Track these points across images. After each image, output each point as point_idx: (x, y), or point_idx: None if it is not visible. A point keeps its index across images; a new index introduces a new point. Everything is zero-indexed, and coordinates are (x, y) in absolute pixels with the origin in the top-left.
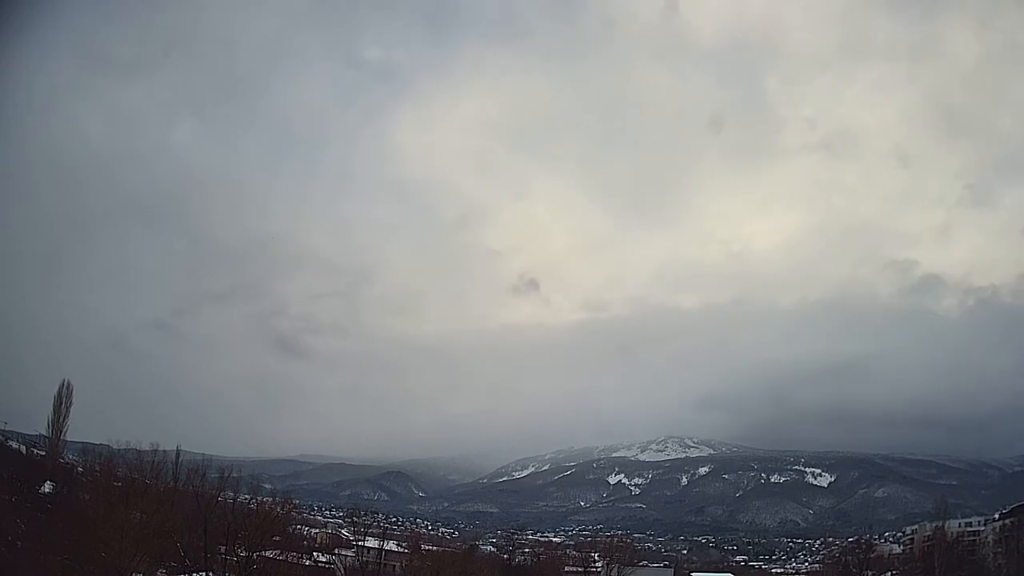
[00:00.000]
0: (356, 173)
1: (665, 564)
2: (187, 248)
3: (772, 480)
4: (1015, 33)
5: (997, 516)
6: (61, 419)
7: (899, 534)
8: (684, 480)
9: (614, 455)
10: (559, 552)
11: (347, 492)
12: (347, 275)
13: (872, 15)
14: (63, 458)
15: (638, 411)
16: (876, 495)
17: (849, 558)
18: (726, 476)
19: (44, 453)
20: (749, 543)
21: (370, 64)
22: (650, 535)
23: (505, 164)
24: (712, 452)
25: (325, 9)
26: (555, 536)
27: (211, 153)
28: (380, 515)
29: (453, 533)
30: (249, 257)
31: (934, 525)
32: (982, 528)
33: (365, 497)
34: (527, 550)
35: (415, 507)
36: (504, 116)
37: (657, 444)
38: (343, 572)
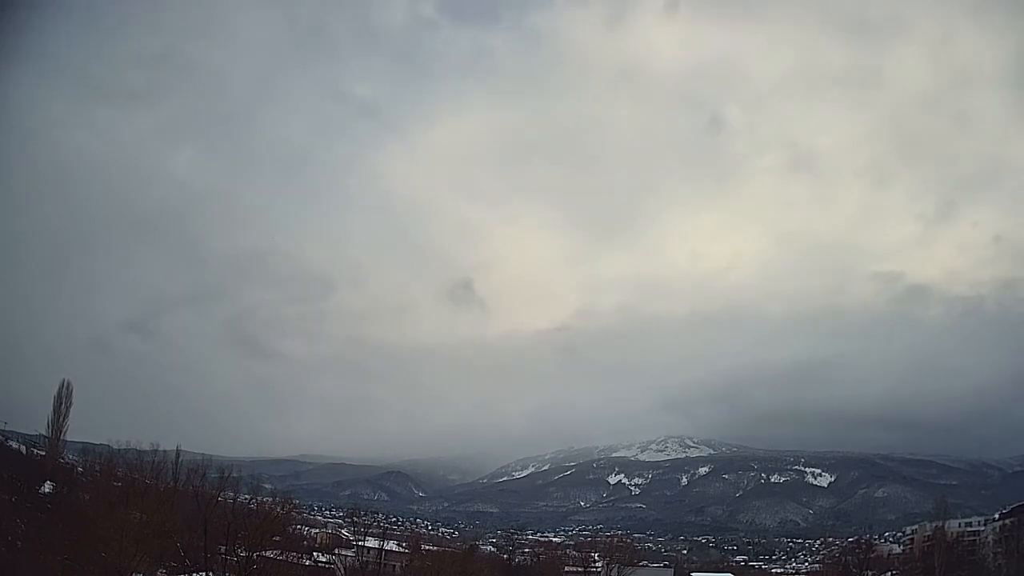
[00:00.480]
0: (349, 195)
1: (665, 564)
2: (185, 256)
3: (772, 480)
4: (968, 57)
5: (997, 516)
6: (61, 419)
7: (899, 534)
8: (684, 480)
9: (614, 455)
10: (559, 552)
11: (347, 492)
12: (343, 284)
13: (832, 46)
14: (63, 458)
15: (634, 411)
16: (876, 495)
17: (849, 558)
18: (726, 476)
19: (44, 453)
20: (749, 543)
21: (355, 98)
22: (650, 535)
23: (489, 188)
24: (712, 452)
25: (309, 50)
26: (555, 536)
27: (211, 173)
28: (380, 515)
29: (453, 533)
30: (248, 266)
31: (934, 525)
32: (982, 528)
33: (365, 497)
34: (527, 550)
35: (415, 507)
36: (481, 144)
37: (657, 444)
38: (343, 572)
